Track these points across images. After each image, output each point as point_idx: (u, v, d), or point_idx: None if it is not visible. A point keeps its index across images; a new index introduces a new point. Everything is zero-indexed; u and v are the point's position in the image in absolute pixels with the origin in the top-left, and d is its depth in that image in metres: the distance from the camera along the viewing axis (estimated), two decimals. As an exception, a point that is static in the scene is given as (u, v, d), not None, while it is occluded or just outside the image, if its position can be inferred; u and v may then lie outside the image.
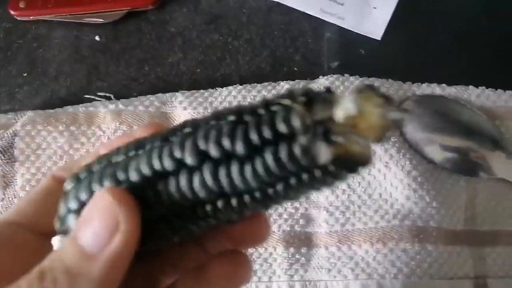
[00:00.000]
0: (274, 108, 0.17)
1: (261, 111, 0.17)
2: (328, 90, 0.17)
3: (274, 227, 0.38)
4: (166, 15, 0.46)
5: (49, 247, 0.19)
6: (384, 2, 0.43)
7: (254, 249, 0.38)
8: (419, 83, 0.41)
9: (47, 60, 0.45)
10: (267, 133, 0.16)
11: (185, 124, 0.18)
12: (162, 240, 0.20)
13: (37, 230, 0.21)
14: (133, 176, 0.18)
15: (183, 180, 0.17)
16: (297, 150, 0.16)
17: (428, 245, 0.36)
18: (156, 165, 0.17)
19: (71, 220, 0.19)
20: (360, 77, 0.41)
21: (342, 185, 0.38)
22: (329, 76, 0.41)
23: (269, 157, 0.16)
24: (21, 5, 0.44)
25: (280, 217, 0.38)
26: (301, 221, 0.38)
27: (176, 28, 0.46)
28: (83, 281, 0.16)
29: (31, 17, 0.45)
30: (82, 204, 0.18)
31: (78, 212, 0.18)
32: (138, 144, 0.19)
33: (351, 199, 0.38)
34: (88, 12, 0.45)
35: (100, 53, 0.45)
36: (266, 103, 0.17)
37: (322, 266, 0.37)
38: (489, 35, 0.44)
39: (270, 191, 0.17)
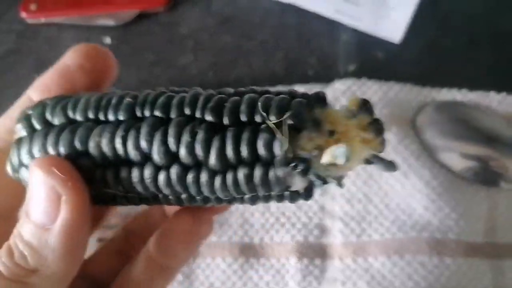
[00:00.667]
0: (258, 120, 0.16)
1: (244, 118, 0.16)
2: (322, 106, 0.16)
3: (287, 237, 0.37)
4: (178, 16, 0.45)
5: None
6: (402, 4, 0.41)
7: (266, 260, 0.37)
8: (439, 88, 0.40)
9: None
10: (245, 153, 0.15)
11: (158, 96, 0.17)
12: (121, 205, 0.20)
13: None
14: (93, 152, 0.17)
15: (147, 174, 0.17)
16: (272, 178, 0.15)
17: (446, 258, 0.35)
18: (120, 151, 0.17)
19: (24, 173, 0.18)
20: (378, 81, 0.40)
21: (358, 195, 0.37)
22: (345, 79, 0.40)
23: (241, 177, 0.16)
24: (32, 7, 0.44)
25: (294, 227, 0.37)
26: (315, 232, 0.37)
27: (187, 30, 0.45)
28: (46, 251, 0.17)
29: (42, 20, 0.45)
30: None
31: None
32: (100, 104, 0.18)
33: (368, 209, 0.37)
34: (99, 14, 0.44)
35: (111, 56, 0.44)
36: (252, 109, 0.16)
37: (336, 278, 0.36)
38: (511, 39, 0.43)
39: (237, 198, 0.17)
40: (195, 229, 0.21)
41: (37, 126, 0.18)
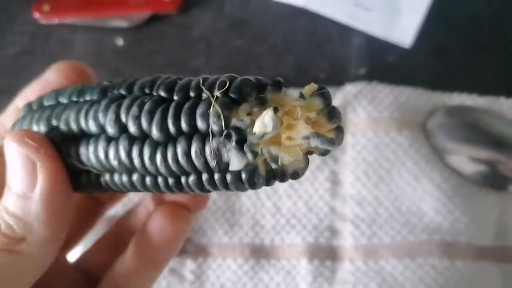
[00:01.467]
0: (203, 94, 0.16)
1: (192, 94, 0.16)
2: (270, 85, 0.16)
3: (298, 239, 0.37)
4: (190, 19, 0.46)
5: None
6: (413, 9, 0.42)
7: (277, 261, 0.37)
8: (449, 93, 0.40)
9: (70, 64, 0.44)
10: (184, 125, 0.16)
11: (128, 80, 0.18)
12: (93, 190, 0.20)
13: None
14: (62, 126, 0.19)
15: (100, 146, 0.18)
16: (207, 151, 0.15)
17: (457, 261, 0.35)
18: (82, 123, 0.18)
19: None
20: (389, 85, 0.40)
21: (369, 197, 0.38)
22: (356, 83, 0.41)
23: (180, 149, 0.16)
24: (45, 9, 0.44)
25: (304, 228, 0.38)
26: (326, 233, 0.37)
27: (199, 32, 0.45)
28: (29, 219, 0.17)
29: (55, 21, 0.45)
30: None
31: None
32: (82, 89, 0.20)
33: (378, 212, 0.37)
34: (111, 15, 0.44)
35: (122, 58, 0.45)
36: (200, 84, 0.16)
37: (347, 280, 0.36)
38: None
39: (183, 179, 0.17)
40: (172, 226, 0.22)
41: (34, 106, 0.21)
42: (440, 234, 0.36)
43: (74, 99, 0.19)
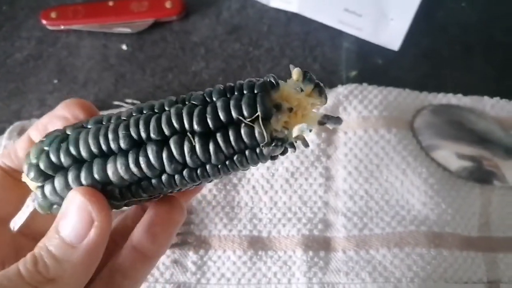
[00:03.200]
0: (235, 118, 0.20)
1: (225, 119, 0.20)
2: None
3: (294, 231, 0.39)
4: (190, 25, 0.48)
5: (3, 231, 0.24)
6: (401, 14, 0.44)
7: (274, 252, 0.39)
8: (435, 93, 0.43)
9: (76, 68, 0.47)
10: (236, 146, 0.20)
11: (146, 119, 0.21)
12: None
13: None
14: (114, 179, 0.21)
15: (165, 182, 0.21)
16: (260, 157, 0.20)
17: (443, 250, 0.37)
18: (136, 172, 0.21)
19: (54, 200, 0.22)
20: (378, 86, 0.43)
21: (360, 192, 0.40)
22: (347, 85, 0.43)
23: (238, 161, 0.20)
24: (53, 15, 0.47)
25: (299, 221, 0.40)
26: (320, 226, 0.40)
27: (199, 38, 0.48)
28: (67, 265, 0.19)
29: (61, 27, 0.47)
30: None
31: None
32: (99, 139, 0.21)
33: (369, 205, 0.39)
34: (116, 22, 0.47)
35: (126, 62, 0.47)
36: (228, 112, 0.20)
37: (340, 269, 0.38)
38: (503, 48, 0.45)
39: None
40: (171, 215, 0.24)
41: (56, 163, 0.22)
42: (427, 225, 0.38)
43: (96, 151, 0.21)
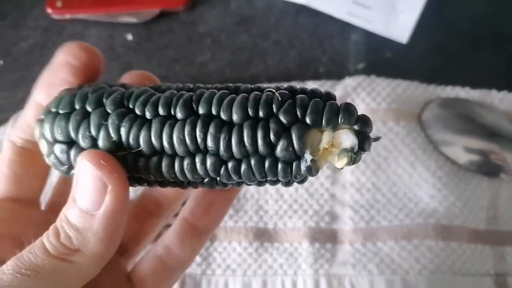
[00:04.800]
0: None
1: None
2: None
3: (300, 223, 0.39)
4: (197, 16, 0.48)
5: (32, 210, 0.23)
6: (410, 7, 0.44)
7: (280, 244, 0.39)
8: (444, 86, 0.43)
9: (82, 57, 0.46)
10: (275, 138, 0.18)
11: (200, 93, 0.19)
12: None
13: (14, 199, 0.23)
14: (133, 143, 0.19)
15: (199, 163, 0.18)
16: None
17: (451, 243, 0.37)
18: (165, 144, 0.18)
19: (58, 151, 0.20)
20: (387, 78, 0.42)
21: (367, 184, 0.40)
22: (355, 76, 0.43)
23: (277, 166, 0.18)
24: (58, 4, 0.46)
25: (306, 213, 0.39)
26: (326, 218, 0.39)
27: (206, 29, 0.47)
28: (88, 234, 0.19)
29: (67, 16, 0.47)
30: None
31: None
32: (138, 98, 0.19)
33: (376, 198, 0.39)
34: (122, 12, 0.46)
35: (132, 52, 0.47)
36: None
37: (347, 262, 0.38)
38: (511, 42, 0.45)
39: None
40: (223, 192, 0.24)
41: (75, 106, 0.20)
42: (435, 218, 0.38)
43: (134, 107, 0.19)
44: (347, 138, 0.18)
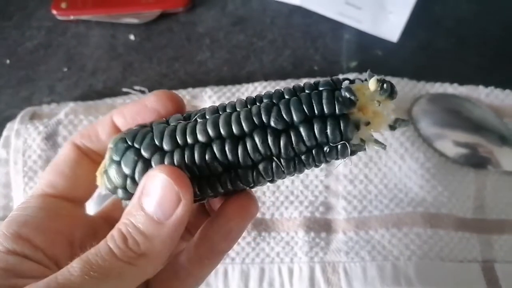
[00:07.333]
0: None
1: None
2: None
3: (296, 213, 0.41)
4: (196, 17, 0.50)
5: (80, 212, 0.24)
6: (399, 7, 0.46)
7: (277, 233, 0.41)
8: (433, 83, 0.44)
9: (85, 56, 0.48)
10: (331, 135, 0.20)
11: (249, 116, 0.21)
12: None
13: (67, 198, 0.24)
14: (200, 164, 0.21)
15: (267, 170, 0.21)
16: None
17: (439, 230, 0.39)
18: (233, 160, 0.21)
19: (129, 184, 0.22)
20: (378, 75, 0.44)
21: (360, 176, 0.41)
22: (347, 74, 0.45)
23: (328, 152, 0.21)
24: (63, 5, 0.48)
25: (301, 204, 0.41)
26: (321, 208, 0.41)
27: (204, 29, 0.49)
28: (156, 241, 0.20)
29: (71, 17, 0.49)
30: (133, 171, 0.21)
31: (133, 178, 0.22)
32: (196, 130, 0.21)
33: (368, 189, 0.41)
34: (124, 13, 0.48)
35: (134, 51, 0.48)
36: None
37: (340, 249, 0.39)
38: (497, 40, 0.47)
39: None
40: (247, 208, 0.24)
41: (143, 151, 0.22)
42: (424, 206, 0.40)
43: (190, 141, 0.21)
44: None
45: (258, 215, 0.41)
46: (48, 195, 0.23)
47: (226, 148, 0.21)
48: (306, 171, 0.22)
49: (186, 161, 0.21)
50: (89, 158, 0.24)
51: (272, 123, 0.20)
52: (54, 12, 0.48)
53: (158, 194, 0.20)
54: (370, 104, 0.21)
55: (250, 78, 0.47)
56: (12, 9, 0.51)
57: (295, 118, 0.20)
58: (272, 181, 0.22)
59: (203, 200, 0.23)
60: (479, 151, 0.42)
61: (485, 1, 0.49)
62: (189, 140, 0.21)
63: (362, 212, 0.40)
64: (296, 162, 0.21)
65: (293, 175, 0.22)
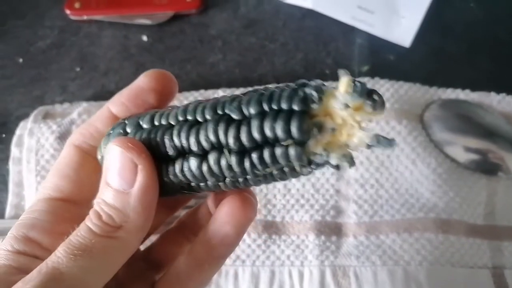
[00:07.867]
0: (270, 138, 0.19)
1: (259, 139, 0.19)
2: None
3: (306, 217, 0.41)
4: (208, 19, 0.50)
5: (85, 212, 0.24)
6: (412, 12, 0.46)
7: (287, 236, 0.41)
8: (444, 88, 0.45)
9: (97, 57, 0.48)
10: (272, 164, 0.19)
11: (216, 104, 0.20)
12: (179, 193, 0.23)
13: (73, 201, 0.25)
14: (160, 145, 0.21)
15: (212, 162, 0.20)
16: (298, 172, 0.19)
17: (450, 236, 0.39)
18: (185, 145, 0.21)
19: None
20: (389, 80, 0.44)
21: (371, 180, 0.41)
22: (360, 78, 0.45)
23: (277, 176, 0.20)
24: (76, 5, 0.48)
25: (312, 208, 0.41)
26: (332, 212, 0.41)
27: (216, 31, 0.49)
28: (127, 211, 0.21)
29: (84, 17, 0.49)
30: None
31: None
32: (177, 114, 0.21)
33: (379, 193, 0.41)
34: (137, 14, 0.48)
35: (146, 52, 0.49)
36: (263, 133, 0.19)
37: (351, 253, 0.40)
38: (507, 47, 0.47)
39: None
40: (243, 213, 0.23)
41: (130, 130, 0.23)
42: (435, 212, 0.40)
43: (172, 121, 0.21)
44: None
45: (269, 217, 0.41)
46: (54, 199, 0.24)
47: (182, 131, 0.20)
48: (300, 177, 0.21)
49: (151, 137, 0.21)
50: (91, 156, 0.25)
51: (227, 111, 0.19)
52: (68, 11, 0.49)
53: (116, 166, 0.21)
54: (340, 110, 0.18)
55: (261, 81, 0.47)
56: (24, 8, 0.51)
57: (251, 110, 0.19)
58: (223, 178, 0.21)
59: (187, 193, 0.23)
60: (490, 158, 0.42)
61: (496, 7, 0.49)
62: (162, 122, 0.22)
63: (373, 216, 0.41)
64: (244, 159, 0.19)
65: (249, 177, 0.20)
